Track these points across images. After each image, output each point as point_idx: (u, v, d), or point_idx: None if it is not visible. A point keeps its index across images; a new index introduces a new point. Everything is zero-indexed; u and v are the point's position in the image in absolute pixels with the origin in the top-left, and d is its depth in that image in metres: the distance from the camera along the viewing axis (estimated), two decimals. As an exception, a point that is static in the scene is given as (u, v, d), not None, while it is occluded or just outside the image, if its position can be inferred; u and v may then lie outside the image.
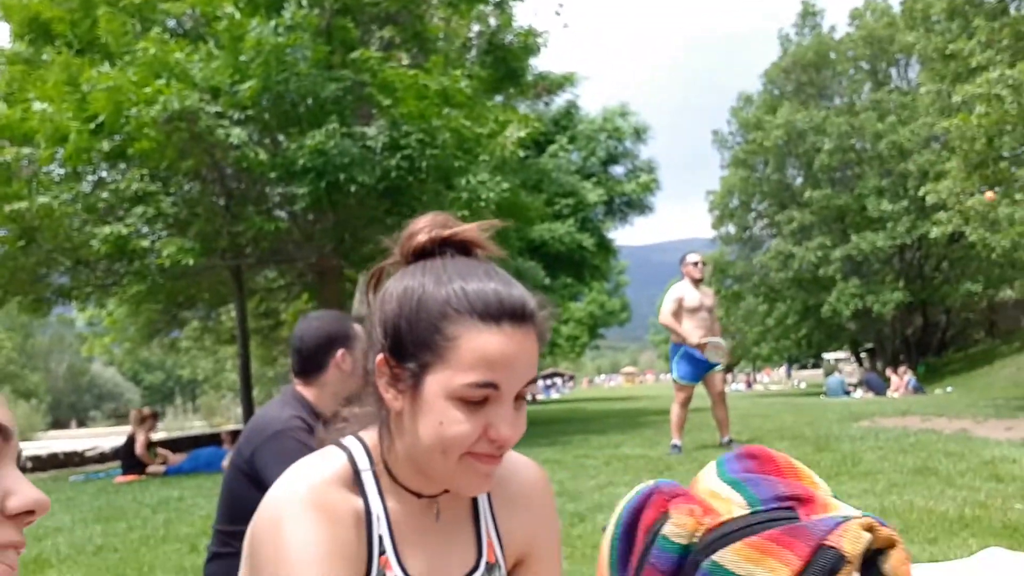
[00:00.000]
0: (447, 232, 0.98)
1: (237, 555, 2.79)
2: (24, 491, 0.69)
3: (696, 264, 7.51)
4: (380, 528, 0.97)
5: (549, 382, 54.29)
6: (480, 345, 0.91)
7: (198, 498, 7.06)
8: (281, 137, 11.78)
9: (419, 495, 1.01)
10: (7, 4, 11.92)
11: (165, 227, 11.74)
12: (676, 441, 7.50)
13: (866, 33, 29.10)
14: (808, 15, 31.42)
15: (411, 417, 0.94)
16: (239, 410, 17.87)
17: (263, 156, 10.72)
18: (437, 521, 1.03)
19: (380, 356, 0.96)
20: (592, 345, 40.49)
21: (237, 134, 10.21)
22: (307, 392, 2.60)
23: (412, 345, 0.93)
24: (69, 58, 10.75)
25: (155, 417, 11.17)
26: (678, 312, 7.45)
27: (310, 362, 2.55)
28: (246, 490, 2.58)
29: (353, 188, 10.59)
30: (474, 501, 1.07)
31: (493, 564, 1.05)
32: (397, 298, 0.96)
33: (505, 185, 11.74)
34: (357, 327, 2.56)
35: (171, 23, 12.57)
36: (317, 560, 0.90)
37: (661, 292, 8.31)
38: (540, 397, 40.01)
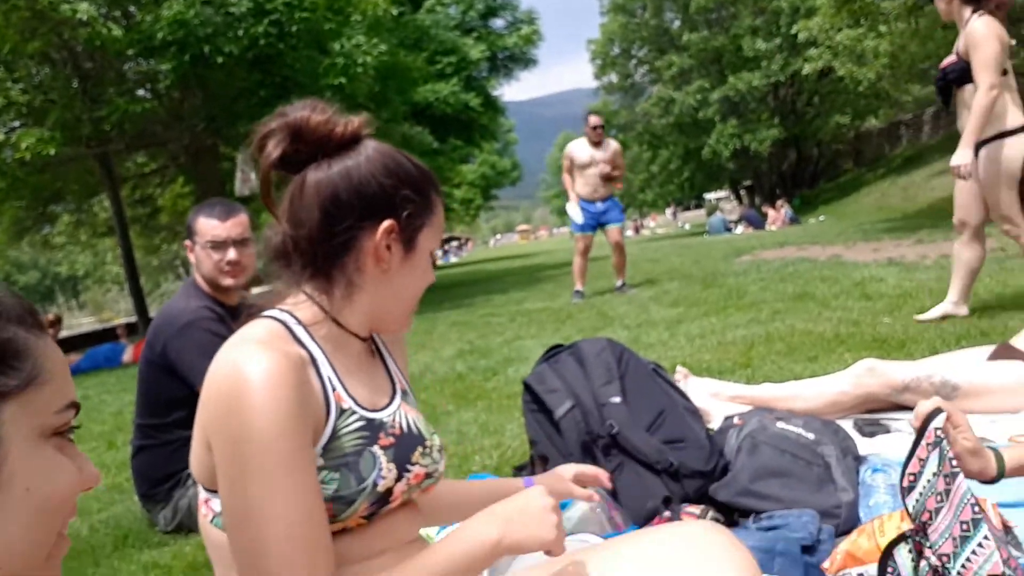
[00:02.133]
0: (366, 124, 1.16)
1: (162, 446, 2.88)
2: (89, 467, 0.71)
3: (594, 128, 7.63)
4: (325, 370, 1.10)
5: (446, 247, 54.50)
6: (442, 212, 1.20)
7: (104, 395, 6.94)
8: (134, 9, 10.79)
9: (362, 339, 1.19)
10: None
11: (18, 117, 10.77)
12: (579, 287, 7.91)
13: None
14: None
15: (398, 271, 1.14)
16: (128, 304, 17.24)
17: (117, 32, 9.82)
18: (371, 360, 1.22)
19: (389, 222, 1.11)
20: (486, 207, 40.52)
21: (85, 9, 9.26)
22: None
23: (418, 210, 1.14)
24: None
25: (59, 322, 10.78)
26: (570, 169, 7.68)
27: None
28: (163, 383, 2.62)
29: (220, 60, 9.93)
30: (374, 341, 1.26)
31: (404, 390, 1.26)
32: (382, 174, 1.12)
33: (383, 47, 11.26)
34: (202, 220, 2.61)
35: None
36: (290, 389, 1.00)
37: (549, 147, 8.41)
38: (439, 262, 40.21)
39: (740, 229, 21.87)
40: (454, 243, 58.71)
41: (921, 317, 4.11)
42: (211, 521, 1.09)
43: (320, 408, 1.06)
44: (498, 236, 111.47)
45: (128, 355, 9.57)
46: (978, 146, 3.79)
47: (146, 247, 21.24)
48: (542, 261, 20.51)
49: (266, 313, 1.13)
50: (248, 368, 0.99)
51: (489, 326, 7.05)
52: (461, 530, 1.03)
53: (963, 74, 3.80)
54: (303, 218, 1.11)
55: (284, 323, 1.11)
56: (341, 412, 1.09)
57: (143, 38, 9.89)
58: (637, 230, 42.42)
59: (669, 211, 49.84)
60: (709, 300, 6.38)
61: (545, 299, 8.80)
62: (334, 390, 1.09)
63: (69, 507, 0.68)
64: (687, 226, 38.47)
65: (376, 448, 1.10)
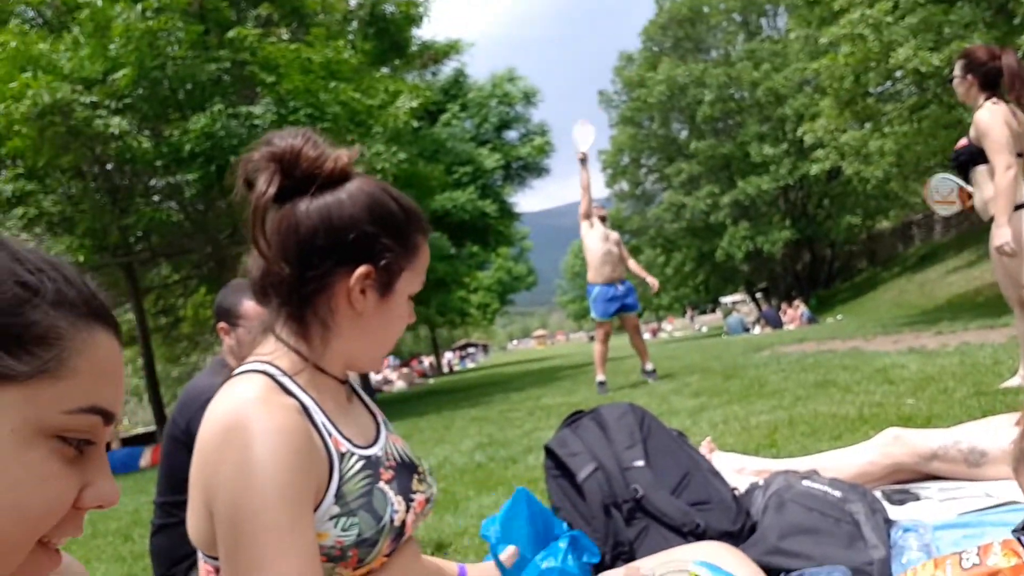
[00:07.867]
0: (355, 160, 1.13)
1: (181, 524, 2.83)
2: (105, 485, 0.61)
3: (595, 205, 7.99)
4: (319, 417, 1.08)
5: (463, 353, 54.47)
6: (426, 253, 1.18)
7: (121, 498, 6.87)
8: (163, 126, 11.33)
9: (341, 381, 1.17)
10: None
11: (48, 227, 11.14)
12: (601, 378, 7.86)
13: (736, -14, 30.19)
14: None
15: (373, 315, 1.12)
16: (147, 414, 17.24)
17: (147, 145, 10.29)
18: (350, 402, 1.20)
19: (365, 267, 1.09)
20: (502, 312, 40.86)
21: (117, 123, 9.75)
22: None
23: (397, 256, 1.12)
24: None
25: None
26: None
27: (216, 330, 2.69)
28: (186, 459, 2.59)
29: (245, 170, 10.32)
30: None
31: (385, 420, 1.26)
32: (365, 219, 1.08)
33: (402, 155, 11.65)
34: (251, 306, 2.57)
35: (30, 14, 11.85)
36: (294, 449, 0.98)
37: (563, 254, 8.60)
38: (456, 368, 40.14)
39: (759, 329, 21.80)
40: (471, 349, 58.70)
41: (1003, 385, 4.12)
42: None
43: (323, 458, 1.05)
44: (515, 341, 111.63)
45: (146, 459, 9.54)
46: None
47: (167, 357, 21.40)
48: (559, 363, 20.43)
49: (247, 367, 1.09)
50: (252, 427, 0.97)
51: (507, 420, 6.98)
52: None
53: (972, 157, 3.95)
54: (281, 256, 1.08)
55: (270, 375, 1.07)
56: (342, 456, 1.07)
57: (172, 150, 10.32)
58: (654, 333, 42.27)
59: (687, 315, 49.85)
60: (731, 390, 6.31)
61: (563, 395, 8.74)
62: (331, 435, 1.08)
63: (54, 522, 0.57)
64: (704, 328, 38.35)
65: (382, 484, 1.10)
